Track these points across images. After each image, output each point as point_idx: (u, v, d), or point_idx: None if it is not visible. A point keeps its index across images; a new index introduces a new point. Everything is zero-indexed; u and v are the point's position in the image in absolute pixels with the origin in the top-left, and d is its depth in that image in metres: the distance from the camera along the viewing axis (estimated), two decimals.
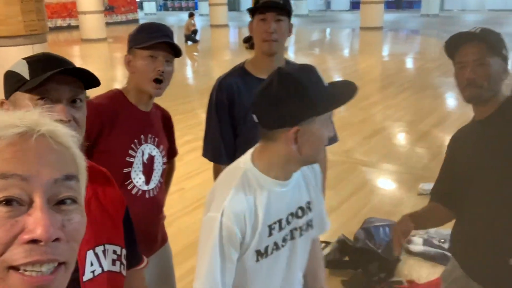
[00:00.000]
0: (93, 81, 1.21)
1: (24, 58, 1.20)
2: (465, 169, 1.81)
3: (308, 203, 1.53)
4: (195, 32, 17.93)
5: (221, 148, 2.12)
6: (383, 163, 5.35)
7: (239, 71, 2.13)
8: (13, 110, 1.11)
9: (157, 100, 1.99)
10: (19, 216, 0.64)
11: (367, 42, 17.79)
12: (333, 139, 2.24)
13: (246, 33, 17.97)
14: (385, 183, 4.88)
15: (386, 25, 21.46)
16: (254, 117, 1.36)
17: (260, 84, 1.44)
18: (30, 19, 8.10)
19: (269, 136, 1.36)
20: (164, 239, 2.11)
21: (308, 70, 1.34)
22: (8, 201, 0.64)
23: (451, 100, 8.28)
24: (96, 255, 1.15)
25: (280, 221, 1.44)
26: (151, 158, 1.91)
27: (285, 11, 2.01)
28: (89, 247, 1.15)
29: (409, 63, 12.93)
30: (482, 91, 1.68)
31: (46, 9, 8.80)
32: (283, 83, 1.29)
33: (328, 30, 22.82)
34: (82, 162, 0.75)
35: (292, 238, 1.50)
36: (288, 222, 1.46)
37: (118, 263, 1.19)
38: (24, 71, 1.16)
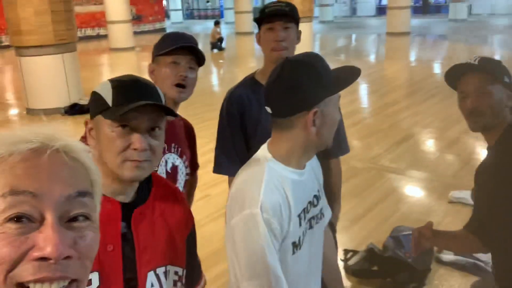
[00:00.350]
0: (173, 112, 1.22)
1: (110, 80, 1.22)
2: (491, 200, 1.80)
3: (318, 191, 1.56)
4: (221, 40, 18.06)
5: (236, 160, 2.03)
6: (411, 170, 5.25)
7: (249, 82, 2.11)
8: (96, 132, 1.17)
9: (182, 107, 2.00)
10: (30, 233, 0.63)
11: (393, 47, 17.59)
12: (344, 149, 2.20)
13: None
14: (414, 190, 4.78)
15: (413, 30, 21.20)
16: (268, 109, 1.38)
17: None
18: (60, 29, 8.31)
19: (285, 125, 1.37)
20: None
21: (315, 56, 1.39)
22: (18, 218, 0.63)
23: None
24: (157, 276, 1.18)
25: (304, 210, 1.44)
26: (174, 168, 1.90)
27: (292, 18, 1.98)
28: (150, 268, 1.17)
29: (437, 69, 12.71)
30: (486, 119, 1.71)
31: (75, 19, 9.01)
32: (297, 68, 1.33)
33: (354, 36, 22.67)
34: (96, 177, 0.74)
35: (311, 227, 1.49)
36: (307, 211, 1.47)
37: (179, 284, 1.22)
38: (108, 96, 1.17)
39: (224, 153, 2.13)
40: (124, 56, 17.77)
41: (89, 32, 25.06)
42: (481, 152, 5.15)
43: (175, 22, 37.10)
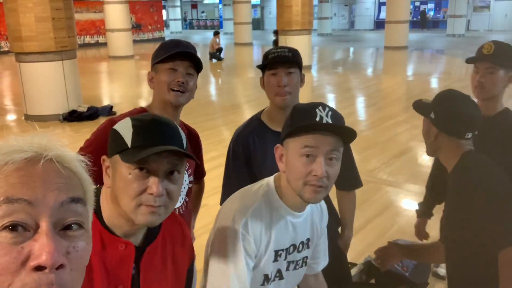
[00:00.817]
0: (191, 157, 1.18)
1: (131, 119, 1.17)
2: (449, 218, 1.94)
3: (308, 240, 1.59)
4: (220, 50, 18.13)
5: None
6: (409, 183, 5.27)
7: (256, 123, 2.13)
8: (112, 171, 1.14)
9: (181, 116, 2.00)
10: (25, 242, 0.64)
11: (391, 61, 17.71)
12: (357, 184, 2.25)
13: None
14: (412, 204, 4.77)
15: (411, 44, 21.35)
16: None
17: (272, 135, 1.91)
18: (61, 36, 8.33)
19: None
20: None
21: (310, 106, 1.44)
22: (13, 226, 0.64)
23: None
24: None
25: (285, 250, 1.50)
26: None
27: (295, 63, 2.01)
28: None
29: (434, 83, 12.79)
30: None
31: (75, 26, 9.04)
32: (291, 111, 1.47)
33: (351, 49, 22.81)
34: (90, 186, 0.75)
35: (287, 269, 1.55)
36: (289, 253, 1.52)
37: None
38: (127, 137, 1.13)
39: (231, 190, 2.15)
40: (123, 64, 17.82)
41: (88, 39, 25.13)
42: None
43: (174, 31, 37.26)
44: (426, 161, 6.24)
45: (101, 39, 24.73)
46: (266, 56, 2.05)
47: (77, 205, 0.70)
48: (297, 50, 2.07)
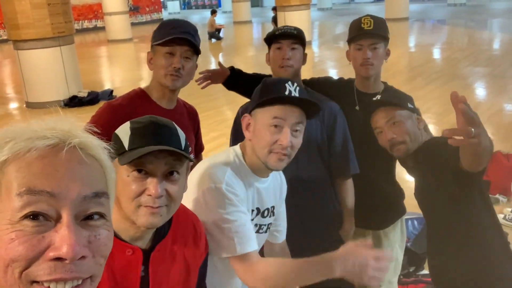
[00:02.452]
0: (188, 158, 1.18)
1: (130, 122, 1.18)
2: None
3: (273, 207, 1.69)
4: (218, 29, 17.96)
5: None
6: None
7: None
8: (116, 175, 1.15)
9: (182, 98, 2.01)
10: (46, 232, 0.63)
11: (392, 33, 17.32)
12: (352, 169, 2.21)
13: (269, 28, 17.94)
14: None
15: (412, 15, 21.09)
16: None
17: None
18: (58, 22, 8.28)
19: None
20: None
21: (279, 80, 1.58)
22: (34, 216, 0.63)
23: (481, 90, 8.10)
24: None
25: (255, 210, 1.61)
26: None
27: (299, 39, 2.14)
28: None
29: (436, 54, 12.68)
30: (407, 144, 1.85)
31: (72, 11, 8.97)
32: (261, 84, 1.59)
33: None
34: (112, 174, 0.74)
35: (257, 231, 1.63)
36: (255, 215, 1.62)
37: None
38: (125, 139, 1.14)
39: None
40: (122, 47, 17.72)
41: (87, 24, 24.95)
42: None
43: (172, 12, 36.91)
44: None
45: (99, 23, 24.53)
46: (273, 32, 2.20)
47: (100, 199, 0.69)
48: (301, 30, 2.20)
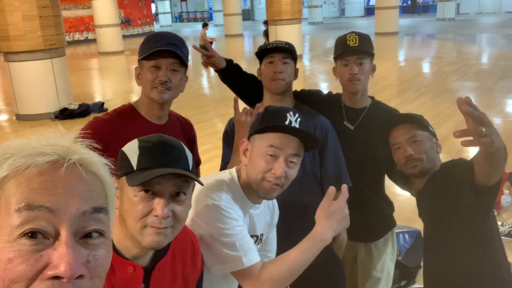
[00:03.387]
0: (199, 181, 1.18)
1: (139, 140, 1.18)
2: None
3: (261, 235, 1.68)
4: (210, 42, 17.98)
5: None
6: None
7: (252, 109, 2.18)
8: (120, 192, 1.14)
9: (173, 110, 2.00)
10: (44, 250, 0.62)
11: (382, 47, 17.70)
12: (343, 182, 2.21)
13: (261, 42, 18.04)
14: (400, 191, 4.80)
15: (402, 30, 21.35)
16: None
17: None
18: (49, 34, 8.28)
19: None
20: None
21: (281, 108, 1.58)
22: (33, 233, 0.62)
23: (484, 113, 8.18)
24: None
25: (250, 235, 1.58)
26: None
27: (290, 54, 2.16)
28: None
29: (426, 68, 12.82)
30: (423, 163, 1.89)
31: (64, 24, 8.97)
32: (263, 111, 1.60)
33: None
34: (112, 190, 0.74)
35: None
36: None
37: None
38: (133, 158, 1.14)
39: (223, 168, 2.18)
40: (113, 60, 17.71)
41: (78, 36, 24.95)
42: (470, 150, 5.19)
43: (164, 25, 37.03)
44: None
45: (90, 36, 24.54)
46: (264, 46, 2.20)
47: (99, 215, 0.68)
48: (293, 45, 2.21)
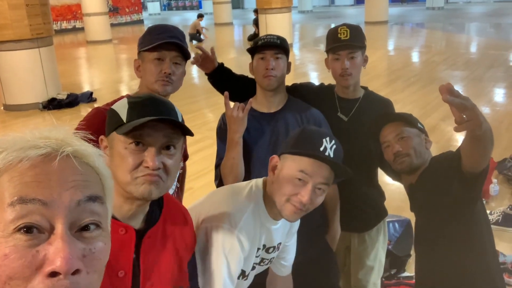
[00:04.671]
0: (189, 130, 1.18)
1: (128, 98, 1.20)
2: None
3: (279, 244, 1.68)
4: (199, 32, 17.82)
5: None
6: None
7: (243, 104, 2.16)
8: (110, 150, 1.13)
9: None
10: (39, 245, 0.62)
11: (372, 36, 17.70)
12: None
13: (250, 30, 17.96)
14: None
15: (391, 19, 21.35)
16: None
17: (261, 117, 2.08)
18: (36, 23, 8.16)
19: None
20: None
21: (318, 132, 1.56)
22: (28, 228, 0.62)
23: (468, 97, 8.23)
24: None
25: (259, 249, 1.60)
26: None
27: (283, 49, 2.12)
28: None
29: (415, 57, 12.86)
30: (412, 159, 1.91)
31: (51, 12, 8.84)
32: (300, 130, 1.60)
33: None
34: (109, 182, 0.73)
35: (253, 268, 1.64)
36: (261, 251, 1.62)
37: None
38: (123, 113, 1.14)
39: (219, 165, 2.16)
40: (102, 48, 17.53)
41: (65, 25, 24.62)
42: (459, 139, 5.23)
43: (152, 13, 36.67)
44: None
45: (78, 24, 24.22)
46: (256, 42, 2.16)
47: (95, 204, 0.67)
48: (285, 39, 2.18)
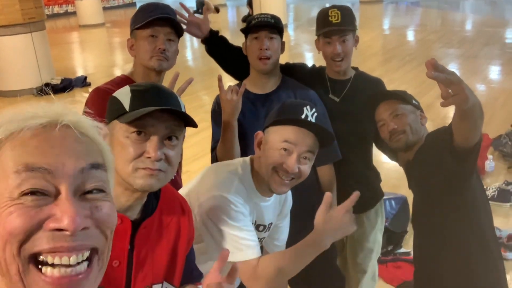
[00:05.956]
0: (193, 122, 1.16)
1: (131, 86, 1.17)
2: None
3: (270, 224, 1.69)
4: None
5: None
6: None
7: (237, 87, 2.14)
8: (110, 138, 1.10)
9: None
10: (45, 206, 0.62)
11: (367, 16, 17.59)
12: (333, 156, 2.21)
13: (245, 12, 17.78)
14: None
15: None
16: None
17: (255, 99, 2.07)
18: (28, 7, 8.06)
19: None
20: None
21: (298, 102, 1.59)
22: (33, 193, 0.62)
23: (454, 71, 8.21)
24: None
25: (256, 224, 1.62)
26: None
27: (277, 29, 2.08)
28: (146, 284, 1.16)
29: (411, 36, 12.80)
30: (407, 136, 1.89)
31: None
32: (280, 104, 1.62)
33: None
34: (108, 153, 0.73)
35: None
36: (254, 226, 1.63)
37: None
38: (125, 101, 1.12)
39: (214, 148, 2.15)
40: (94, 32, 17.35)
41: (57, 9, 24.31)
42: None
43: None
44: None
45: (70, 8, 23.91)
46: (249, 21, 2.11)
47: (97, 171, 0.68)
48: (279, 18, 2.14)
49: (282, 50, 2.16)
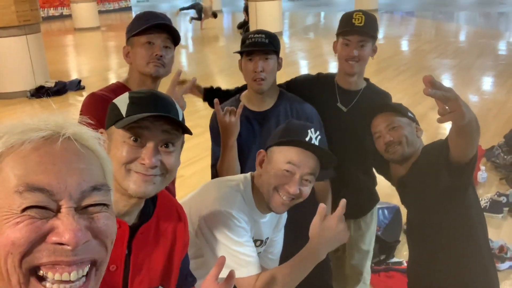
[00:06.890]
0: (187, 129, 1.16)
1: (130, 93, 1.18)
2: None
3: (267, 239, 1.71)
4: (215, 14, 17.29)
5: None
6: None
7: (235, 104, 2.12)
8: (108, 143, 1.10)
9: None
10: (49, 218, 0.62)
11: None
12: (329, 173, 2.19)
13: (240, 18, 17.82)
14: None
15: (381, 7, 21.30)
16: None
17: (253, 117, 2.06)
18: (23, 10, 8.04)
19: None
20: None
21: (303, 125, 1.60)
22: (35, 206, 0.62)
23: (448, 82, 8.27)
24: None
25: (254, 239, 1.62)
26: None
27: (272, 49, 2.03)
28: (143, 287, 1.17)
29: (405, 46, 12.88)
30: (403, 148, 1.89)
31: None
32: (285, 124, 1.64)
33: (322, 14, 22.66)
34: (109, 165, 0.73)
35: None
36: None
37: None
38: (123, 107, 1.12)
39: (214, 165, 2.14)
40: (89, 36, 17.32)
41: (52, 12, 24.26)
42: (447, 127, 5.27)
43: (140, 0, 36.25)
44: None
45: (65, 11, 23.88)
46: (243, 41, 2.07)
47: (99, 192, 0.68)
48: (275, 36, 2.09)
49: (279, 67, 2.12)
